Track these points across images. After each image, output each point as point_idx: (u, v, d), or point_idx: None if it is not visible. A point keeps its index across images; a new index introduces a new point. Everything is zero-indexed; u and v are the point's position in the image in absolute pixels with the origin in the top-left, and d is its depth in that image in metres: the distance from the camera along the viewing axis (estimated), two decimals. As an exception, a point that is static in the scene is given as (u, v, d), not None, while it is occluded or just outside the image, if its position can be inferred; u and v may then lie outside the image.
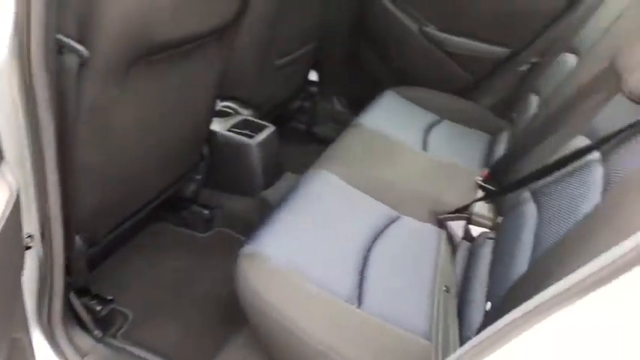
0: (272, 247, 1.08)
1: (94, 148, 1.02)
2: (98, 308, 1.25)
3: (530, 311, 0.58)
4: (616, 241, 0.59)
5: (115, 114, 1.01)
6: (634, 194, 0.71)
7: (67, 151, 0.94)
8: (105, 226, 1.26)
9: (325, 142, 2.36)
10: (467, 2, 2.02)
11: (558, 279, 0.63)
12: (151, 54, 0.99)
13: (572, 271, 0.62)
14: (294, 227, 1.17)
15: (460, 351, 0.67)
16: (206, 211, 1.71)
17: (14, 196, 0.72)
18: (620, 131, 0.83)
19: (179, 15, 0.97)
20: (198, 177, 1.66)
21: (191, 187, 1.67)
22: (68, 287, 1.12)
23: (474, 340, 0.67)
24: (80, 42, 0.84)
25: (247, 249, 1.08)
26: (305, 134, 2.38)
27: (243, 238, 1.72)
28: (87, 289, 1.26)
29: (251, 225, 1.76)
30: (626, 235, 0.58)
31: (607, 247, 0.60)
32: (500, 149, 1.76)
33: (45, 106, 0.79)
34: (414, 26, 2.12)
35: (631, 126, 0.80)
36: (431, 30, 2.11)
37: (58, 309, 1.07)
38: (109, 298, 1.29)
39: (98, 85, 0.93)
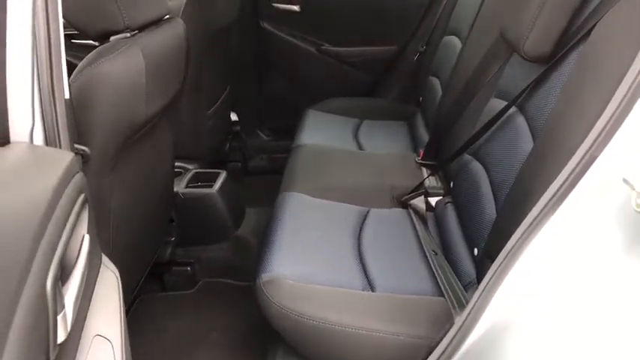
0: (284, 269, 1.21)
1: (100, 232, 1.09)
2: None
3: (529, 226, 0.79)
4: (562, 164, 0.82)
5: (112, 197, 1.09)
6: (559, 131, 0.95)
7: None
8: None
9: (263, 173, 2.53)
10: (344, 18, 2.30)
11: (533, 202, 0.85)
12: (131, 135, 1.09)
13: (542, 193, 0.83)
14: (293, 247, 1.30)
15: (486, 278, 0.86)
16: (187, 268, 1.78)
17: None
18: (528, 86, 1.09)
19: (149, 96, 1.09)
20: (172, 239, 1.73)
21: (167, 251, 1.73)
22: None
23: (492, 267, 0.87)
24: (80, 142, 0.93)
25: (265, 277, 1.20)
26: (242, 171, 2.50)
27: (230, 281, 1.81)
28: None
29: (232, 266, 1.86)
30: (567, 160, 0.81)
31: (558, 169, 0.83)
32: (421, 131, 2.01)
33: None
34: (312, 48, 2.35)
35: (535, 80, 1.06)
36: (327, 47, 2.36)
37: None
38: None
39: (98, 176, 1.01)
